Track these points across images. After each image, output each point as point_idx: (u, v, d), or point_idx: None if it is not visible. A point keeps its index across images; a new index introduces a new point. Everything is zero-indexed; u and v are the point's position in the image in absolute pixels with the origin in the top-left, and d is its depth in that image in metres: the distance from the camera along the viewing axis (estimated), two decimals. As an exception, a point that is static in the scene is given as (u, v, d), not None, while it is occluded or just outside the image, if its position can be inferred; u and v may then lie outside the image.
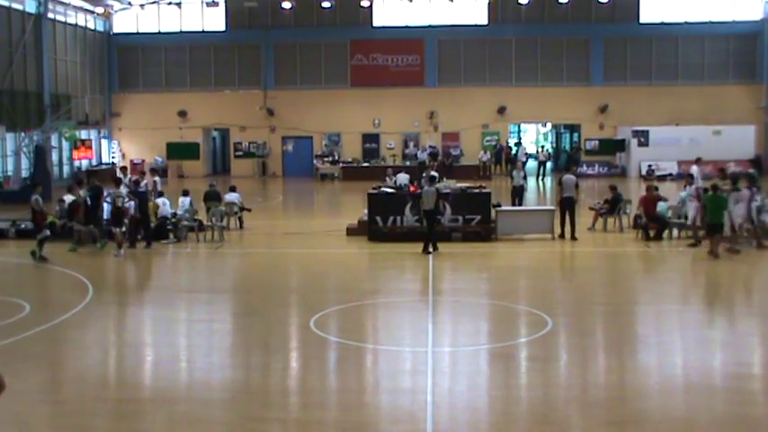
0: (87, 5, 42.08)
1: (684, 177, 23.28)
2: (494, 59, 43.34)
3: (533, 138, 54.30)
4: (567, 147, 46.92)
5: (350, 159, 42.77)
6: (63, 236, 20.25)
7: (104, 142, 44.47)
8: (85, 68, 42.26)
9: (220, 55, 44.33)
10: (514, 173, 25.28)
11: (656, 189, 21.21)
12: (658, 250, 19.05)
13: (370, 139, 43.88)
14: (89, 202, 20.06)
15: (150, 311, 13.81)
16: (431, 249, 18.49)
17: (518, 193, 24.68)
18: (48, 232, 18.54)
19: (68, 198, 21.05)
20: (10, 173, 34.58)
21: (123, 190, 19.72)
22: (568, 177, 20.85)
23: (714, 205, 17.83)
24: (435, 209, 18.78)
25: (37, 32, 37.57)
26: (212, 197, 23.22)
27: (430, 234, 18.70)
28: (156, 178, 25.45)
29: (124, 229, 19.26)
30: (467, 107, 42.72)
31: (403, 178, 25.38)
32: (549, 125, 49.99)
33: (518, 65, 43.41)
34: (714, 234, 17.74)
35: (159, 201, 21.58)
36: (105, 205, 20.12)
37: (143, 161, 43.43)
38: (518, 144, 46.51)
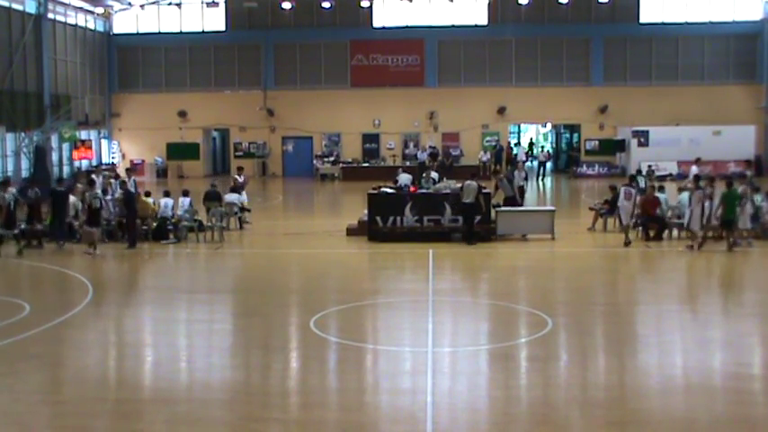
0: (87, 6, 42.07)
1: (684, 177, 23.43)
2: (494, 60, 43.32)
3: (530, 138, 54.14)
4: (564, 147, 46.90)
5: (350, 160, 42.75)
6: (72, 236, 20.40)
7: (104, 142, 44.47)
8: (85, 69, 42.24)
9: (220, 55, 44.31)
10: (515, 173, 25.25)
11: (658, 189, 21.30)
12: (658, 250, 19.05)
13: (371, 139, 43.87)
14: (12, 206, 19.58)
15: (150, 312, 13.80)
16: (470, 242, 19.25)
17: (518, 194, 24.60)
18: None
19: (72, 199, 21.04)
20: (10, 173, 34.55)
21: (99, 191, 19.97)
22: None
23: (729, 201, 18.36)
24: (476, 203, 19.22)
25: (37, 33, 37.55)
26: (212, 197, 23.21)
27: (469, 227, 19.46)
28: (135, 178, 25.39)
29: (97, 229, 19.25)
30: (467, 107, 42.69)
31: (405, 178, 25.36)
32: (549, 125, 49.99)
33: (518, 65, 43.38)
34: (727, 229, 18.40)
35: (162, 201, 21.60)
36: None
37: (143, 161, 43.48)
38: (518, 144, 46.45)
